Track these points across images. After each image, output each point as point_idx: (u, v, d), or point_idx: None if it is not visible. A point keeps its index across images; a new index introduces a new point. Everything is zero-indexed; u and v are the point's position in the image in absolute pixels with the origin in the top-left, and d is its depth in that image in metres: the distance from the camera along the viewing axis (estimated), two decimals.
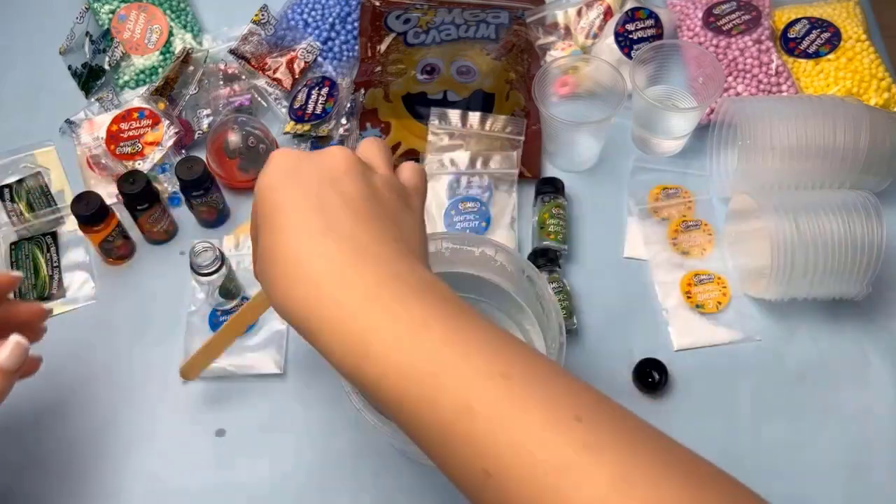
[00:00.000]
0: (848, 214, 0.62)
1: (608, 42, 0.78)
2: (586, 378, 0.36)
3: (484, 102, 0.75)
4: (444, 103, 0.75)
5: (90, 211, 0.66)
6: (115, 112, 0.76)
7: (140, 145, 0.74)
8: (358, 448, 0.61)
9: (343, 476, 0.60)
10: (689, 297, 0.67)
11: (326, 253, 0.38)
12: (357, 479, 0.60)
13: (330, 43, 0.82)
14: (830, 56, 0.76)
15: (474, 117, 0.73)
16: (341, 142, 0.76)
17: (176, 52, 0.81)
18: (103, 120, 0.76)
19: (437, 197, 0.72)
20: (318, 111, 0.75)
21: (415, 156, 0.74)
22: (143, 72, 0.81)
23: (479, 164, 0.73)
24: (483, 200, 0.71)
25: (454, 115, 0.73)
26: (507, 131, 0.73)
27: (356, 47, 0.82)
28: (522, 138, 0.73)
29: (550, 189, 0.71)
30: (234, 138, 0.73)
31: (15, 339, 0.48)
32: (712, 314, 0.67)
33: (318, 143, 0.76)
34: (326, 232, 0.39)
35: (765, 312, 0.67)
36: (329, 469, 0.61)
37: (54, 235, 0.73)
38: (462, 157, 0.73)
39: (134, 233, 0.72)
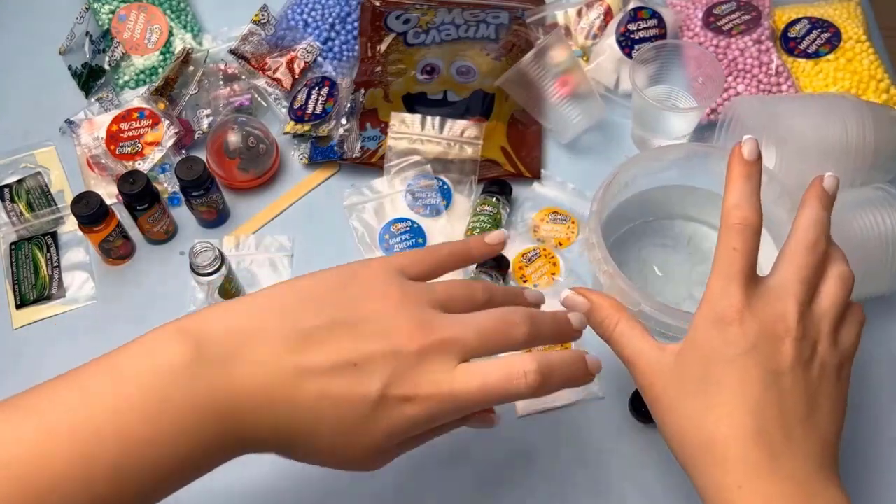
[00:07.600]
0: (876, 210, 0.61)
1: (609, 42, 0.78)
2: None
3: (484, 102, 0.75)
4: (444, 103, 0.75)
5: (90, 211, 0.66)
6: (115, 112, 0.76)
7: (140, 145, 0.74)
8: None
9: None
10: None
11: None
12: None
13: (330, 43, 0.82)
14: (830, 56, 0.76)
15: (434, 121, 0.73)
16: (341, 141, 0.76)
17: (176, 52, 0.81)
18: (103, 120, 0.76)
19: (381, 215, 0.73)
20: (318, 111, 0.75)
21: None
22: (143, 72, 0.81)
23: (438, 168, 0.73)
24: (414, 219, 0.71)
25: (414, 119, 0.74)
26: (465, 135, 0.73)
27: (356, 47, 0.82)
28: (481, 142, 0.73)
29: (495, 189, 0.71)
30: (234, 138, 0.73)
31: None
32: None
33: (318, 143, 0.76)
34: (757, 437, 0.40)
35: None
36: None
37: (54, 235, 0.73)
38: (420, 160, 0.73)
39: (134, 233, 0.72)
